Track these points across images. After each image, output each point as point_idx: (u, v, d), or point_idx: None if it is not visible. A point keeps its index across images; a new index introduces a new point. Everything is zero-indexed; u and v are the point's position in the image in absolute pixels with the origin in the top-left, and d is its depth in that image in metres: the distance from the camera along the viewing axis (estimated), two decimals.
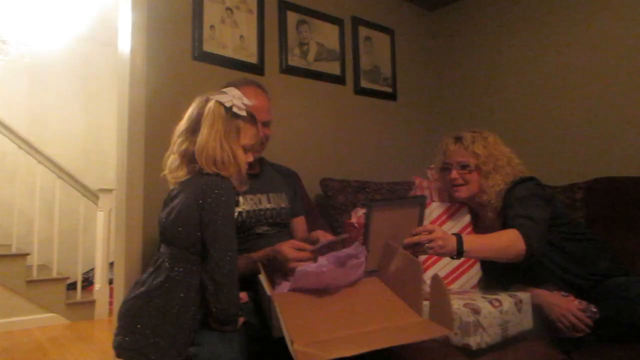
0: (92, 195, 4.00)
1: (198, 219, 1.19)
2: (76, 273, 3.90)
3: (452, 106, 3.20)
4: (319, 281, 1.27)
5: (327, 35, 2.71)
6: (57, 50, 4.56)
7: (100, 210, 3.93)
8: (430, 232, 1.35)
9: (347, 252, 1.31)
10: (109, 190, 3.89)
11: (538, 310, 1.54)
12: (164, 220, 1.27)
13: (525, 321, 1.47)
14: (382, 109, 2.98)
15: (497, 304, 1.40)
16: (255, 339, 1.30)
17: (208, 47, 2.22)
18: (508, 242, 1.46)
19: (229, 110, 1.29)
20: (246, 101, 1.33)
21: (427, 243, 1.34)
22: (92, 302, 3.84)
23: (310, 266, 1.30)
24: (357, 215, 1.97)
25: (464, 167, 1.75)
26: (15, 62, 4.16)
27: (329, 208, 2.39)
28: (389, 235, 1.34)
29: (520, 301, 1.47)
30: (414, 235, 1.36)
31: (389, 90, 3.03)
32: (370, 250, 1.32)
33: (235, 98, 1.30)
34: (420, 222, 1.42)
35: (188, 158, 1.29)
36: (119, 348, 1.14)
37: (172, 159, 1.33)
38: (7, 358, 2.85)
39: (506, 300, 1.44)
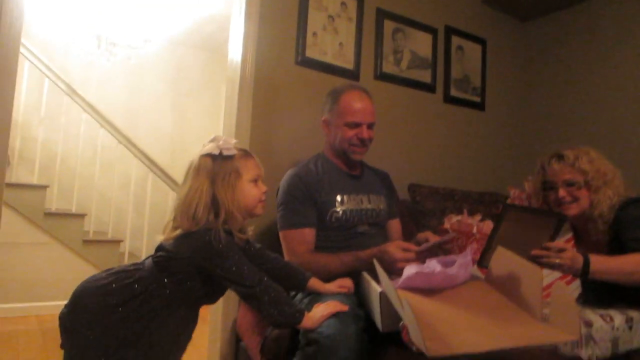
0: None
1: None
2: None
3: (541, 119, 3.13)
4: (429, 282, 1.31)
5: (421, 43, 2.75)
6: (153, 52, 4.89)
7: None
8: (561, 250, 1.35)
9: (455, 258, 1.35)
10: None
11: None
12: (171, 254, 1.25)
13: (636, 339, 1.43)
14: (470, 118, 2.97)
15: (608, 319, 1.38)
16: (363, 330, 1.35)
17: (310, 53, 2.32)
18: (638, 266, 1.43)
19: (218, 156, 1.27)
20: (231, 141, 1.32)
21: (556, 260, 1.34)
22: None
23: (422, 267, 1.35)
24: (451, 222, 1.99)
25: (571, 184, 1.71)
26: (120, 63, 4.51)
27: (417, 213, 2.41)
28: (517, 241, 1.36)
29: (632, 319, 1.43)
30: (544, 248, 1.36)
31: (478, 100, 3.01)
32: (493, 249, 1.35)
33: (221, 142, 1.29)
34: (553, 237, 1.40)
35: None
36: (61, 318, 1.19)
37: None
38: None
39: (617, 316, 1.41)
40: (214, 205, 1.24)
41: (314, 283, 1.48)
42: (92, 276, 1.26)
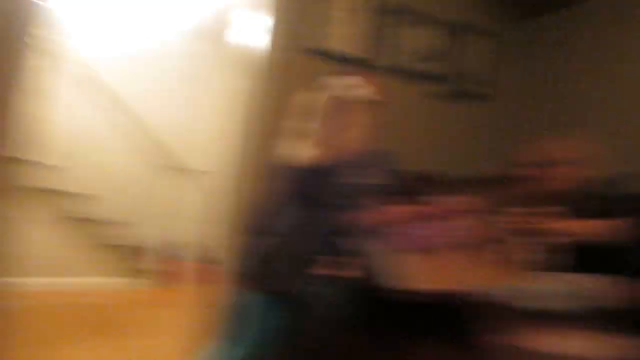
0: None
1: None
2: None
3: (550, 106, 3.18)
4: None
5: (428, 36, 2.87)
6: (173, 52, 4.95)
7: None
8: None
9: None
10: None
11: None
12: None
13: None
14: (477, 109, 3.09)
15: None
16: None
17: (323, 44, 2.50)
18: None
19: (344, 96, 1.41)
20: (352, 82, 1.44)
21: None
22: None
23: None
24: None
25: None
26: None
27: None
28: None
29: None
30: None
31: (485, 91, 3.12)
32: None
33: (342, 83, 1.43)
34: None
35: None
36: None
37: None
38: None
39: None
40: None
41: None
42: None
